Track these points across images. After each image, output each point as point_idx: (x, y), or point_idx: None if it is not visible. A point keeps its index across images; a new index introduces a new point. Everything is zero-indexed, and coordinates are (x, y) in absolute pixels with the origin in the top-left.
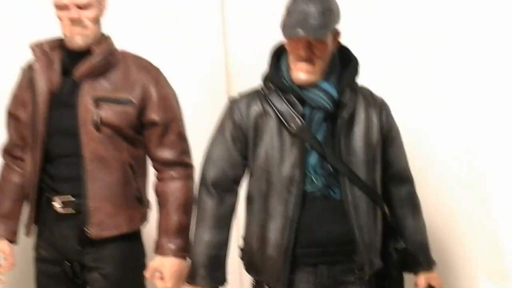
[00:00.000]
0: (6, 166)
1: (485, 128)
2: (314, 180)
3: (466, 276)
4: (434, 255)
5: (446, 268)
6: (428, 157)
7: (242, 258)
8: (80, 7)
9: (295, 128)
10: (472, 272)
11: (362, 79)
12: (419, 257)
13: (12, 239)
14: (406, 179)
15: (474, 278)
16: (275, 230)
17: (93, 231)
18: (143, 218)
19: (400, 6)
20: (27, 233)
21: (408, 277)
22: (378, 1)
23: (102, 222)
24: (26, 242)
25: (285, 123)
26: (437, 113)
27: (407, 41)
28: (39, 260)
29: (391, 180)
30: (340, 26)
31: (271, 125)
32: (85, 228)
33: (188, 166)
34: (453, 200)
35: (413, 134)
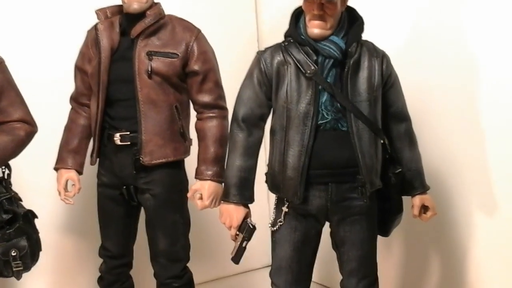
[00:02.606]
0: (74, 111)
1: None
2: (325, 115)
3: (459, 202)
4: (429, 181)
5: (440, 193)
6: (424, 96)
7: (267, 181)
8: None
9: (310, 73)
10: (464, 198)
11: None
12: (414, 182)
13: (79, 170)
14: (404, 117)
15: (467, 204)
16: (293, 156)
17: (146, 159)
18: (186, 150)
19: None
20: (92, 163)
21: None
22: None
23: (153, 152)
24: (90, 171)
25: (302, 69)
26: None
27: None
28: (101, 185)
29: (391, 119)
30: None
31: (291, 71)
32: (139, 157)
33: (223, 109)
34: (447, 134)
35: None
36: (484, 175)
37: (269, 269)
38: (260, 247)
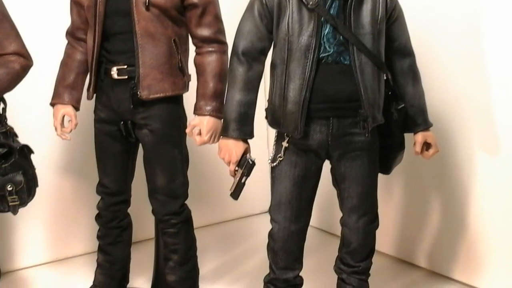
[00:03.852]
0: (70, 45)
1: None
2: (328, 48)
3: (461, 142)
4: (431, 120)
5: (441, 132)
6: (429, 32)
7: (267, 116)
8: None
9: (312, 5)
10: (466, 138)
11: None
12: (417, 119)
13: (75, 105)
14: (408, 53)
15: (468, 143)
16: (294, 89)
17: (144, 93)
18: (185, 86)
19: None
20: (89, 98)
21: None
22: None
23: (151, 86)
24: (87, 107)
25: (304, 1)
26: None
27: None
28: (98, 121)
29: (395, 54)
30: None
31: (292, 3)
32: (137, 91)
33: (222, 43)
34: (451, 72)
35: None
36: (487, 115)
37: (267, 215)
38: (258, 193)
